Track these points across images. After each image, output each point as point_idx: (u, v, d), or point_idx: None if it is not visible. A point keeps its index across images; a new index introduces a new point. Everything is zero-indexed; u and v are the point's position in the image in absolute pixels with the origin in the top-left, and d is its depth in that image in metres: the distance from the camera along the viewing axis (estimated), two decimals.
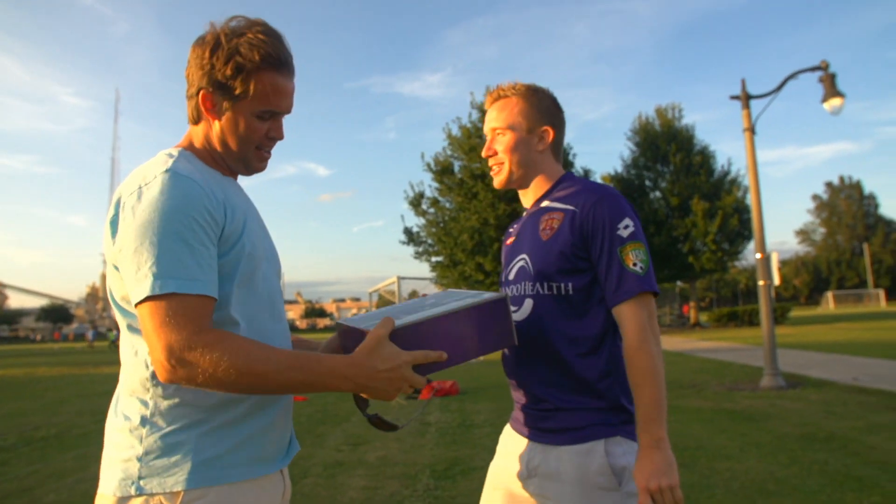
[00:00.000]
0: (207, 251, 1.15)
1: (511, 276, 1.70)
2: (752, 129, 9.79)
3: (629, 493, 1.48)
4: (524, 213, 1.78)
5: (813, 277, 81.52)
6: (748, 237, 30.64)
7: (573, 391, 1.55)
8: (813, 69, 9.33)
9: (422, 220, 29.17)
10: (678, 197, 30.91)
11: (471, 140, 27.86)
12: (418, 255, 29.79)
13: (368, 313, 1.51)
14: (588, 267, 1.54)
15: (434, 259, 29.49)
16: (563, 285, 1.55)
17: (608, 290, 1.51)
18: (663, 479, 1.37)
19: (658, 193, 32.81)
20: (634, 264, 1.49)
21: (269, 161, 1.38)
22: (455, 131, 28.66)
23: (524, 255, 1.65)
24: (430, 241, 29.13)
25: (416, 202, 28.94)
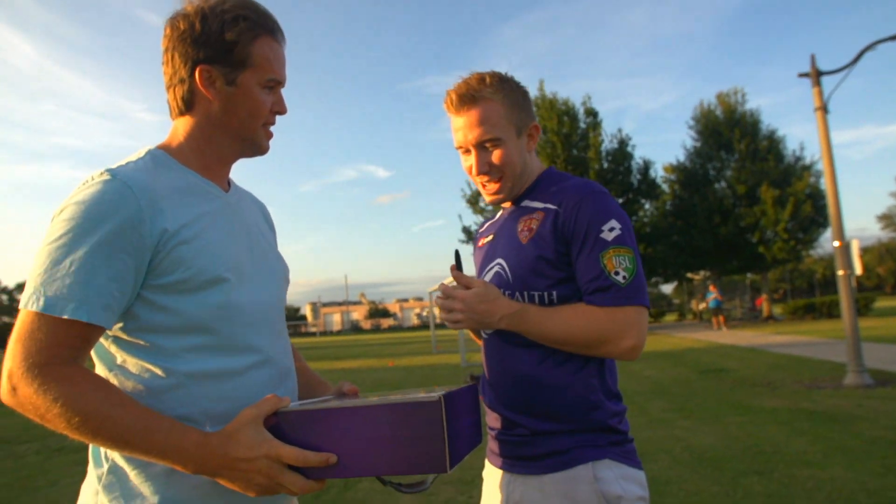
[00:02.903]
0: (109, 271, 1.00)
1: None
2: (824, 109, 9.13)
3: None
4: (499, 213, 1.59)
5: None
6: (824, 224, 29.02)
7: (553, 413, 1.35)
8: (894, 38, 8.61)
9: (480, 219, 29.02)
10: (745, 185, 29.59)
11: None
12: None
13: (320, 399, 1.24)
14: (572, 274, 1.36)
15: None
16: (545, 294, 1.37)
17: (585, 293, 1.34)
18: (476, 302, 1.33)
19: (723, 182, 31.53)
20: (616, 272, 1.31)
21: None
22: None
23: (500, 260, 1.45)
24: None
25: (473, 200, 28.84)
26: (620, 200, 28.33)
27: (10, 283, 74.57)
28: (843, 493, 3.88)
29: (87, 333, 1.00)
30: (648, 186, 29.60)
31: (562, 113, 27.70)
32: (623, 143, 28.80)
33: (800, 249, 30.05)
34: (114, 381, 1.07)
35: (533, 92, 28.49)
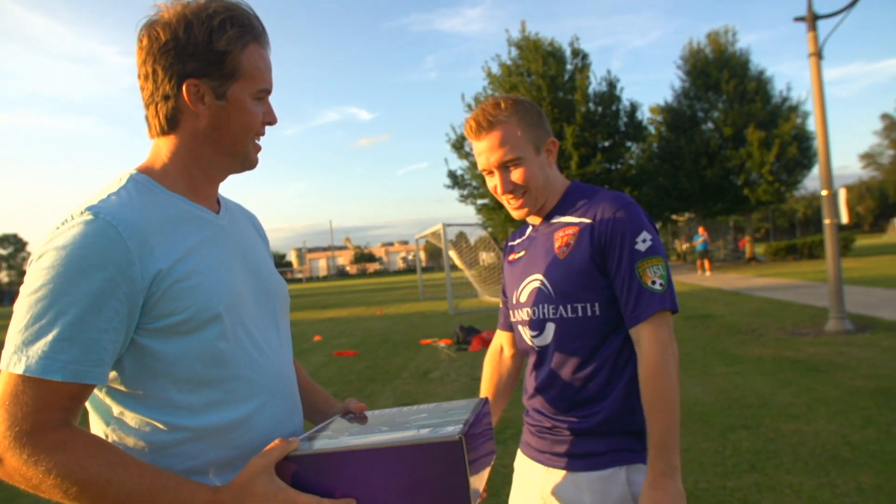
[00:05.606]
0: (98, 323, 0.92)
1: (523, 299, 1.57)
2: (818, 54, 9.00)
3: None
4: (529, 229, 1.66)
5: (878, 203, 77.70)
6: (808, 166, 29.15)
7: (594, 415, 1.46)
8: None
9: (465, 163, 28.77)
10: (732, 127, 29.44)
11: (511, 78, 27.23)
12: (463, 199, 29.58)
13: (326, 424, 1.21)
14: (609, 283, 1.43)
15: (479, 202, 29.19)
16: (587, 305, 1.44)
17: (626, 309, 1.42)
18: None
19: (710, 124, 31.35)
20: (653, 282, 1.40)
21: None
22: (495, 69, 28.08)
23: (538, 276, 1.53)
24: (474, 183, 28.77)
25: (458, 145, 28.51)
26: (606, 143, 28.13)
27: None
28: (826, 448, 4.04)
29: (78, 392, 0.93)
30: (635, 129, 29.39)
31: (547, 54, 27.11)
32: (612, 86, 28.39)
33: (783, 191, 30.24)
34: (112, 435, 1.01)
35: (514, 33, 27.90)
